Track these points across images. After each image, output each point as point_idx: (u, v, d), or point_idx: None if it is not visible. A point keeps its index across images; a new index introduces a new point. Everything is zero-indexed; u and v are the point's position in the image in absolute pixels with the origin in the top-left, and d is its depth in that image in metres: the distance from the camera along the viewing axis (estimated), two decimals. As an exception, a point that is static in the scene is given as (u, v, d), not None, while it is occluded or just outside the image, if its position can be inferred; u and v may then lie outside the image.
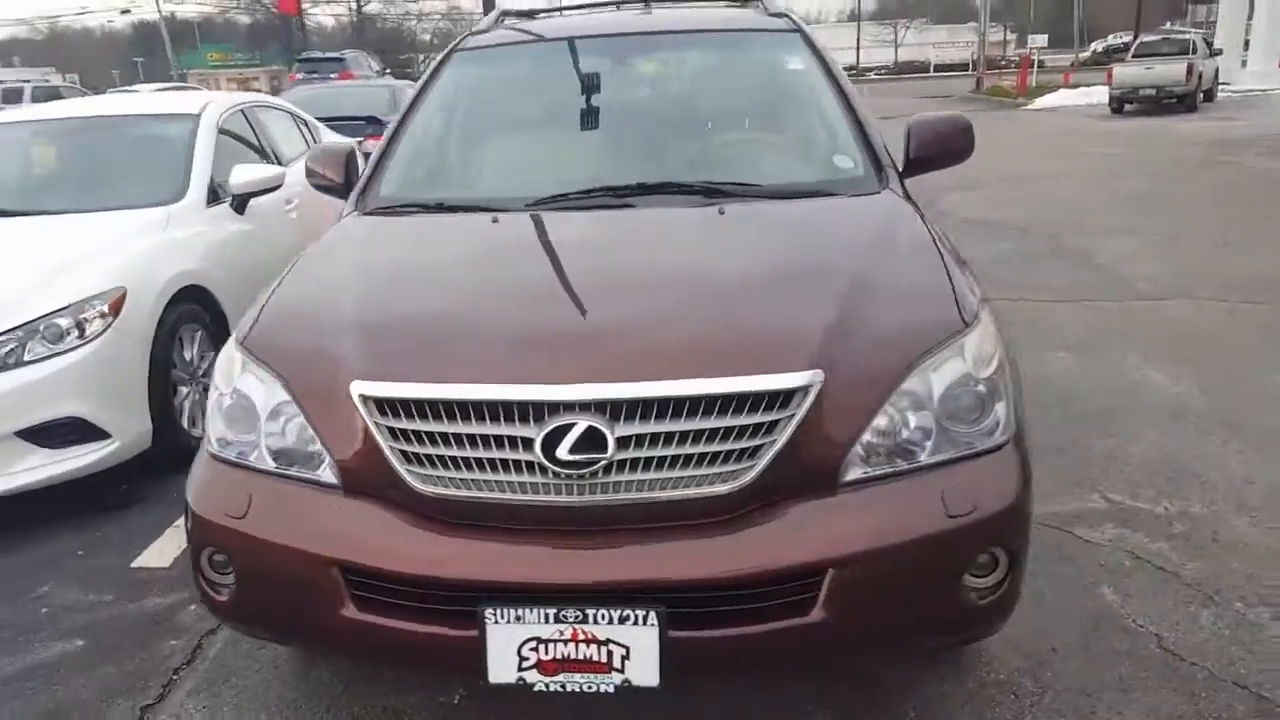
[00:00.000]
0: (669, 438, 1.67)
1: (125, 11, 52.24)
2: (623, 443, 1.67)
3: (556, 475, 1.68)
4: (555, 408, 1.68)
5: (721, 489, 1.68)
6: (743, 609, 1.67)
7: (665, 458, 1.67)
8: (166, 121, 4.78)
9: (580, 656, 1.68)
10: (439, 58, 3.38)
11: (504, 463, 1.71)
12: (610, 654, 1.67)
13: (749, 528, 1.69)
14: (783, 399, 1.68)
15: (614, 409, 1.67)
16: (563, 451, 1.66)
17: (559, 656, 1.69)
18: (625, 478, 1.68)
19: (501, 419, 1.70)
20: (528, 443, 1.69)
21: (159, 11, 45.34)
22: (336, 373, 1.83)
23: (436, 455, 1.74)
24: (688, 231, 2.37)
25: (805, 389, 1.68)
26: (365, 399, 1.77)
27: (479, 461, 1.72)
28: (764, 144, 2.99)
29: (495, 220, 2.51)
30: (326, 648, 2.10)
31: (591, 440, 1.66)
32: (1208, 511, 2.96)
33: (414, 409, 1.75)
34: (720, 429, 1.66)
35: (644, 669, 1.67)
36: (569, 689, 1.70)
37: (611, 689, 1.69)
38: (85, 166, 4.67)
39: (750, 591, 1.66)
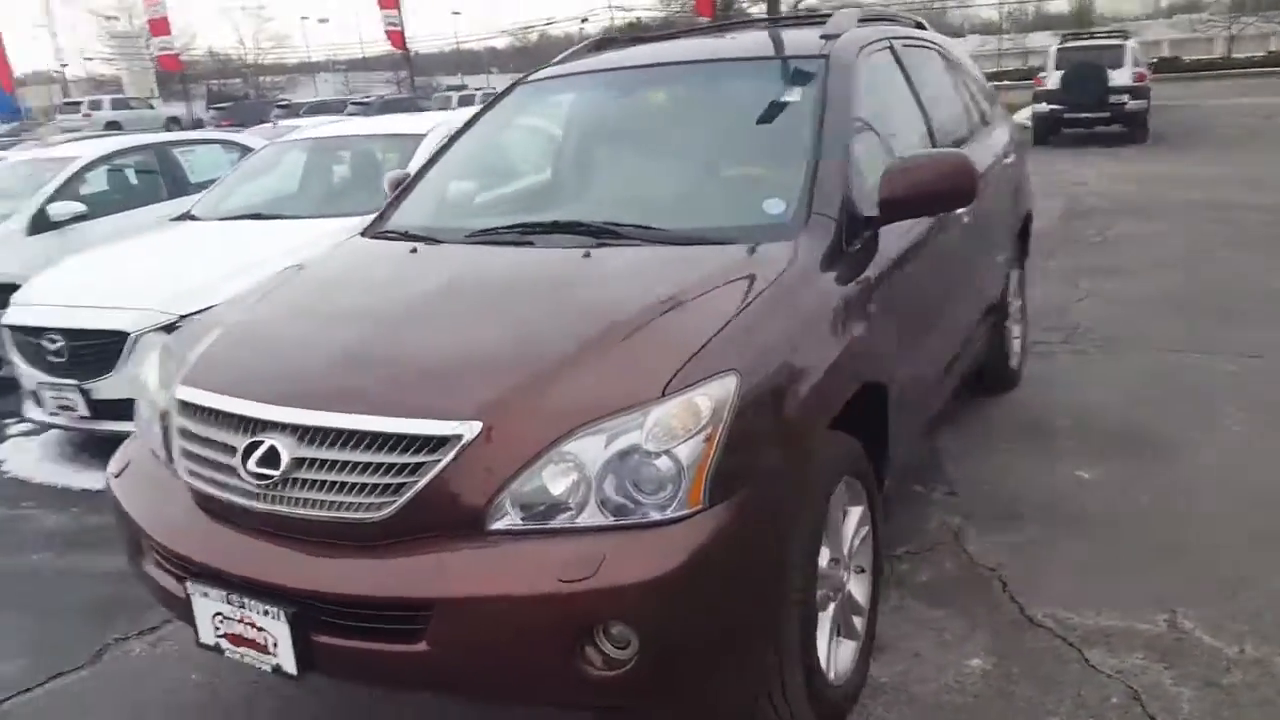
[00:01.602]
0: (330, 464, 1.84)
1: (584, 20, 52.82)
2: (297, 463, 1.86)
3: (247, 482, 1.91)
4: (261, 425, 1.93)
5: (366, 517, 1.81)
6: (363, 626, 1.81)
7: (324, 481, 1.83)
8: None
9: (248, 636, 1.92)
10: (504, 88, 3.53)
11: (220, 465, 1.99)
12: (266, 639, 1.90)
13: (379, 556, 1.81)
14: (432, 444, 1.78)
15: (298, 432, 1.88)
16: (251, 463, 1.90)
17: (236, 633, 1.94)
18: (294, 494, 1.86)
19: (223, 427, 2.00)
20: (234, 451, 1.94)
21: (611, 18, 46.15)
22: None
23: (191, 451, 2.08)
24: (524, 275, 2.45)
25: (454, 438, 1.77)
26: (175, 399, 2.16)
27: (209, 461, 2.02)
28: (707, 184, 2.91)
29: (414, 250, 2.72)
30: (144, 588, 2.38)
31: (273, 456, 1.87)
32: None
33: (189, 410, 2.11)
34: (370, 463, 1.80)
35: (286, 658, 1.88)
36: (246, 661, 1.95)
37: (269, 669, 1.91)
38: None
39: (368, 612, 1.80)
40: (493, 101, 3.51)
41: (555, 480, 1.76)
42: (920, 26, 4.26)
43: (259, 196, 5.47)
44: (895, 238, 2.66)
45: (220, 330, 2.39)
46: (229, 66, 69.17)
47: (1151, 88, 16.92)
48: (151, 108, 31.40)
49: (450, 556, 1.76)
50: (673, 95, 3.27)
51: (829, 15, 3.25)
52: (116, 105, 29.75)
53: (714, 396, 1.81)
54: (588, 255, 2.41)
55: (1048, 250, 7.67)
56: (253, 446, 1.92)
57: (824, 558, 2.19)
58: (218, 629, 1.97)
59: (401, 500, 1.78)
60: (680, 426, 1.77)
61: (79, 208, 5.75)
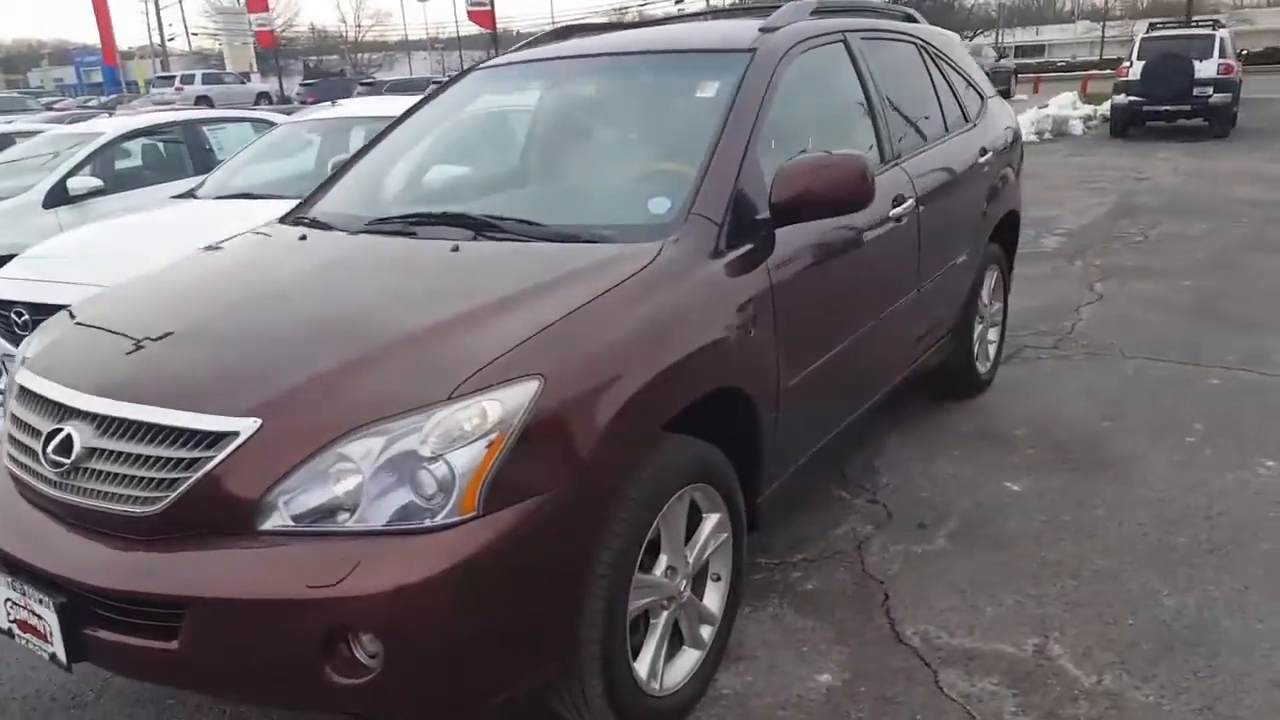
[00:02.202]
0: (117, 455, 1.86)
1: (678, 1, 51.60)
2: (89, 452, 1.88)
3: (45, 469, 1.93)
4: (68, 411, 1.95)
5: (140, 510, 1.81)
6: (123, 621, 1.81)
7: (110, 472, 1.85)
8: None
9: (31, 623, 1.92)
10: (456, 76, 3.53)
11: (28, 449, 2.01)
12: (44, 627, 1.90)
13: (144, 551, 1.81)
14: (208, 439, 1.79)
15: (96, 420, 1.90)
16: (50, 449, 1.92)
17: (23, 619, 1.94)
18: (83, 483, 1.88)
19: (37, 412, 2.04)
20: (39, 435, 1.97)
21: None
22: None
23: (11, 434, 2.11)
24: (379, 269, 2.46)
25: (230, 434, 1.77)
26: (14, 381, 2.20)
27: (22, 445, 2.05)
28: (603, 180, 2.89)
29: (302, 238, 2.76)
30: None
31: (69, 444, 1.89)
32: None
33: (21, 394, 2.14)
34: (150, 456, 1.82)
35: (59, 648, 1.88)
36: (30, 648, 1.95)
37: (47, 656, 1.92)
38: None
39: (126, 606, 1.79)
40: (442, 87, 3.52)
41: (328, 482, 1.75)
42: (910, 19, 4.15)
43: (262, 176, 5.62)
44: (803, 240, 2.61)
45: (81, 314, 2.46)
46: (328, 43, 71.16)
47: (1243, 80, 16.02)
48: (242, 82, 32.43)
49: (209, 555, 1.77)
50: (597, 88, 3.24)
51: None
52: (208, 80, 30.83)
53: (506, 402, 1.79)
54: (456, 249, 2.41)
55: (1078, 248, 7.40)
56: (55, 433, 1.94)
57: (660, 565, 2.18)
58: (9, 614, 1.96)
59: (174, 495, 1.78)
60: (460, 432, 1.75)
61: (96, 183, 6.01)
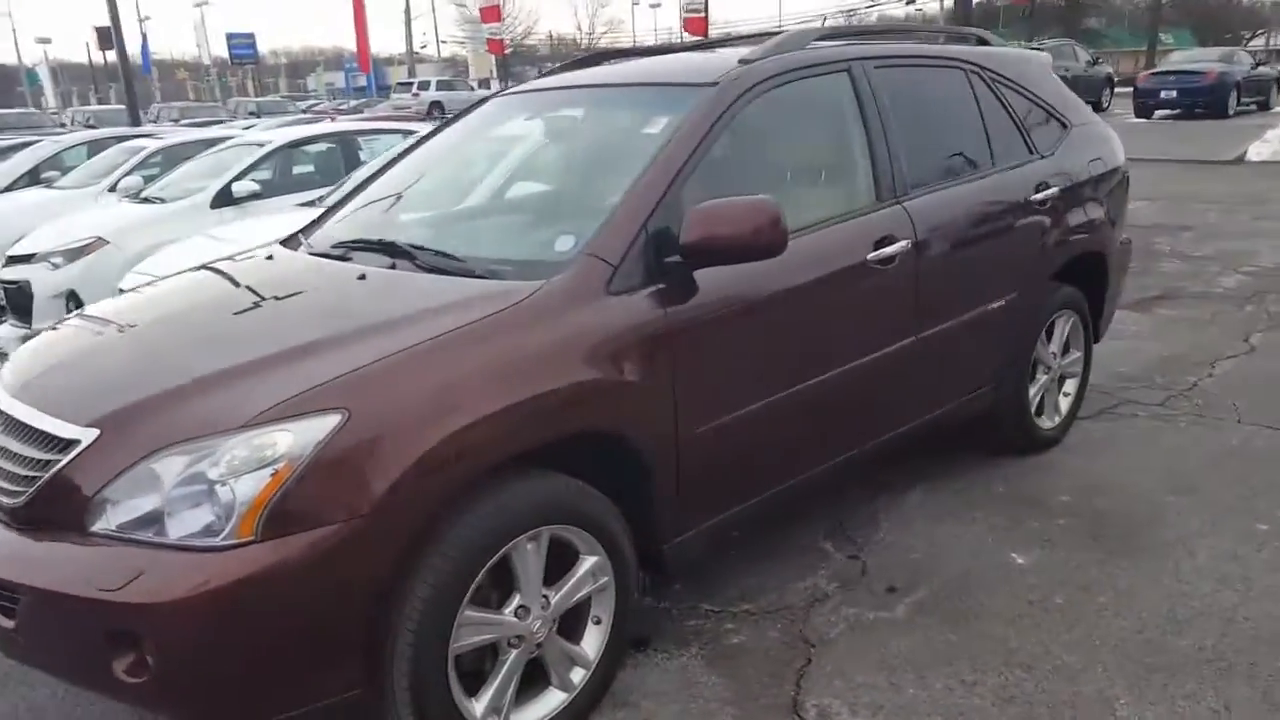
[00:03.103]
0: (4, 449, 2.12)
1: (910, 1, 50.10)
2: None
3: None
4: None
5: (7, 500, 2.04)
6: None
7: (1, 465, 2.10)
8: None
9: None
10: (477, 101, 3.73)
11: None
12: None
13: (14, 535, 2.01)
14: (61, 444, 1.99)
15: (3, 418, 2.18)
16: None
17: None
18: None
19: None
20: None
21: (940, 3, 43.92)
22: None
23: None
24: (288, 293, 2.60)
25: (74, 441, 1.97)
26: None
27: None
28: (533, 214, 2.90)
29: (269, 258, 2.96)
30: None
31: None
32: None
33: None
34: (22, 454, 2.06)
35: None
36: None
37: None
38: None
39: None
40: (461, 113, 3.65)
41: (140, 493, 1.89)
42: (982, 42, 3.87)
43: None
44: (734, 284, 2.53)
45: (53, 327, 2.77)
46: (563, 50, 74.57)
47: None
48: (472, 89, 34.63)
49: (45, 547, 1.96)
50: (560, 122, 3.27)
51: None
52: (441, 86, 33.25)
53: (299, 434, 1.88)
54: (362, 278, 2.53)
55: (1257, 291, 6.56)
56: None
57: (512, 603, 2.20)
58: None
59: (32, 490, 2.00)
60: (247, 459, 1.85)
61: (255, 187, 6.71)
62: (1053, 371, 3.92)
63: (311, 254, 2.86)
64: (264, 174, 6.98)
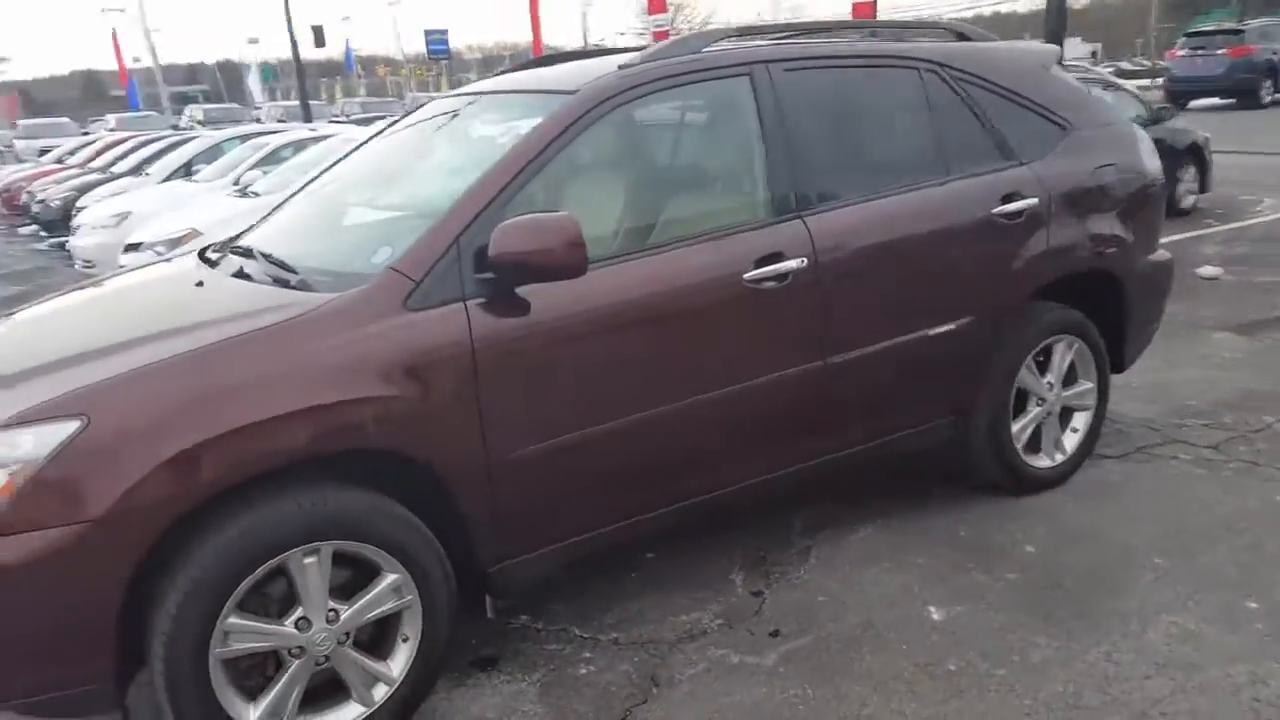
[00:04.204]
0: None
1: None
2: None
3: None
4: None
5: None
6: None
7: None
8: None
9: None
10: (418, 106, 3.76)
11: None
12: None
13: None
14: None
15: None
16: None
17: None
18: None
19: None
20: None
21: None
22: None
23: None
24: (140, 296, 2.72)
25: None
26: None
27: None
28: (377, 225, 2.82)
29: (169, 260, 3.03)
30: None
31: None
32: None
33: None
34: None
35: None
36: None
37: None
38: None
39: None
40: (404, 115, 3.65)
41: None
42: (963, 37, 3.51)
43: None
44: (567, 303, 2.42)
45: None
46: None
47: None
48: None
49: None
50: (444, 130, 3.19)
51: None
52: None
53: (39, 437, 1.94)
54: (200, 284, 2.61)
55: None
56: None
57: (294, 615, 2.18)
58: None
59: None
60: None
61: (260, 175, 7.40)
62: (1048, 404, 3.48)
63: (199, 259, 2.94)
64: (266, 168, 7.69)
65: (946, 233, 3.11)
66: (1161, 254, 3.79)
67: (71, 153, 17.67)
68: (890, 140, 3.16)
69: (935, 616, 2.79)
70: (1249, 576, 2.90)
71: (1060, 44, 7.04)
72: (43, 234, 12.39)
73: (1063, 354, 3.48)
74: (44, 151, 20.92)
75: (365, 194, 3.13)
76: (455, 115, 3.22)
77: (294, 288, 2.42)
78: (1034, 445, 3.52)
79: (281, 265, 2.60)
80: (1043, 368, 3.48)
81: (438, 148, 3.18)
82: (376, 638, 2.35)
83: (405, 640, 2.35)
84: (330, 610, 2.22)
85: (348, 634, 2.26)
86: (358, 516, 2.21)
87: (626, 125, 2.69)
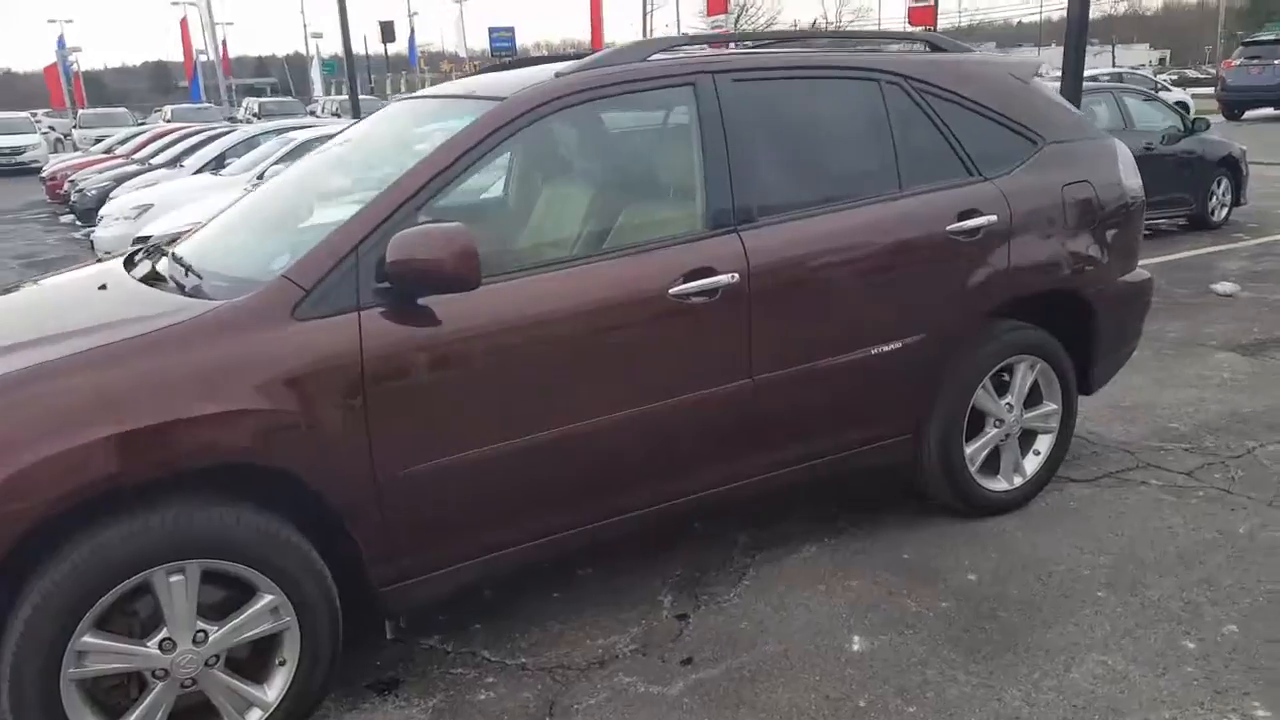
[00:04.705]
0: None
1: None
2: None
3: None
4: None
5: None
6: None
7: None
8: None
9: None
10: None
11: None
12: None
13: None
14: None
15: None
16: None
17: None
18: None
19: None
20: None
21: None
22: None
23: None
24: (50, 297, 2.76)
25: None
26: None
27: None
28: (281, 232, 2.79)
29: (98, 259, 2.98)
30: None
31: None
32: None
33: None
34: None
35: None
36: None
37: None
38: None
39: None
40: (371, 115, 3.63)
41: None
42: (936, 48, 3.41)
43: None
44: (481, 314, 2.39)
45: None
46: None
47: None
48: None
49: None
50: (386, 133, 3.16)
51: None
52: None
53: None
54: (103, 288, 2.62)
55: None
56: None
57: (158, 635, 2.14)
58: None
59: None
60: None
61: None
62: (1006, 425, 3.37)
63: (123, 262, 2.95)
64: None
65: (895, 249, 3.01)
66: (1139, 274, 3.64)
67: (122, 143, 18.14)
68: (843, 154, 3.07)
69: (856, 647, 2.70)
70: (1193, 614, 2.77)
71: (1083, 52, 6.80)
72: (78, 223, 12.68)
73: (1024, 375, 3.36)
74: (99, 141, 21.49)
75: (299, 198, 3.12)
76: (399, 120, 3.21)
77: (189, 294, 2.41)
78: (992, 467, 3.41)
79: (189, 270, 2.59)
80: (1004, 388, 3.37)
81: (378, 152, 3.16)
82: (256, 662, 2.31)
83: (282, 664, 2.31)
84: (199, 631, 2.17)
85: (218, 656, 2.21)
86: (226, 534, 2.16)
87: (556, 134, 2.64)
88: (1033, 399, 3.43)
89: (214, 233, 2.98)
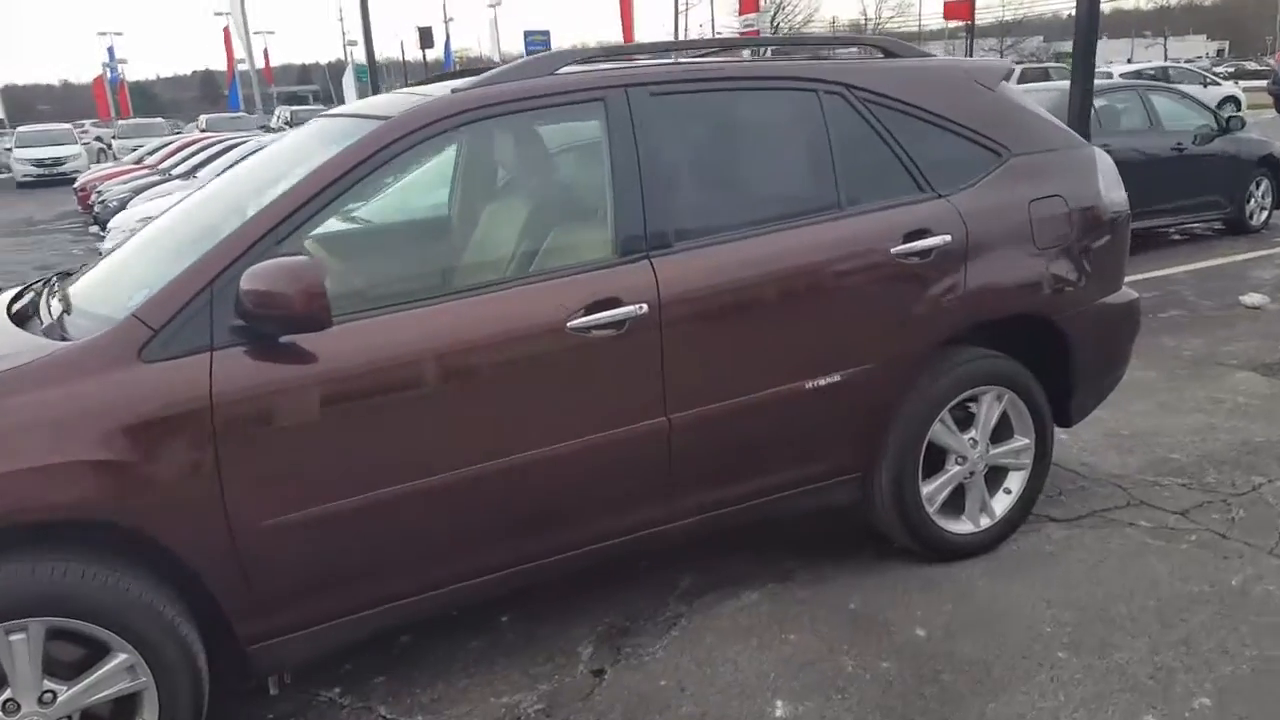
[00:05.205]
0: None
1: None
2: None
3: None
4: None
5: None
6: None
7: None
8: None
9: None
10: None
11: None
12: None
13: None
14: None
15: None
16: None
17: None
18: None
19: None
20: None
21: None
22: None
23: None
24: None
25: None
26: None
27: None
28: (172, 262, 2.55)
29: None
30: None
31: None
32: None
33: None
34: None
35: None
36: None
37: None
38: None
39: None
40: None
41: None
42: (888, 54, 3.16)
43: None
44: (359, 354, 2.22)
45: None
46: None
47: None
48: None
49: None
50: (294, 152, 2.94)
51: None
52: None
53: None
54: None
55: None
56: None
57: (2, 696, 2.00)
58: None
59: None
60: None
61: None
62: (970, 462, 3.09)
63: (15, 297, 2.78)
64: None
65: (830, 274, 2.76)
66: (1124, 294, 3.33)
67: (152, 153, 18.39)
68: (774, 172, 2.84)
69: (779, 713, 2.46)
70: (1163, 683, 2.48)
71: (1093, 51, 6.41)
72: (101, 234, 12.82)
73: (990, 407, 3.09)
74: (135, 150, 21.88)
75: (192, 225, 2.95)
76: (304, 140, 3.02)
77: (46, 333, 2.25)
78: (956, 507, 3.14)
79: (65, 307, 2.43)
80: (968, 421, 3.09)
81: (275, 174, 2.98)
82: (120, 718, 2.16)
83: None
84: (46, 691, 2.03)
85: (70, 717, 2.06)
86: (71, 591, 2.00)
87: (446, 156, 2.45)
88: (1002, 433, 3.15)
89: (110, 263, 2.83)
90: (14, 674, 2.00)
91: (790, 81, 2.81)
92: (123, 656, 2.09)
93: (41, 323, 2.38)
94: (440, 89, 2.61)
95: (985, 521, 3.17)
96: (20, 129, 26.98)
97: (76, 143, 25.77)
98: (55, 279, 2.84)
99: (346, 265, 2.69)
